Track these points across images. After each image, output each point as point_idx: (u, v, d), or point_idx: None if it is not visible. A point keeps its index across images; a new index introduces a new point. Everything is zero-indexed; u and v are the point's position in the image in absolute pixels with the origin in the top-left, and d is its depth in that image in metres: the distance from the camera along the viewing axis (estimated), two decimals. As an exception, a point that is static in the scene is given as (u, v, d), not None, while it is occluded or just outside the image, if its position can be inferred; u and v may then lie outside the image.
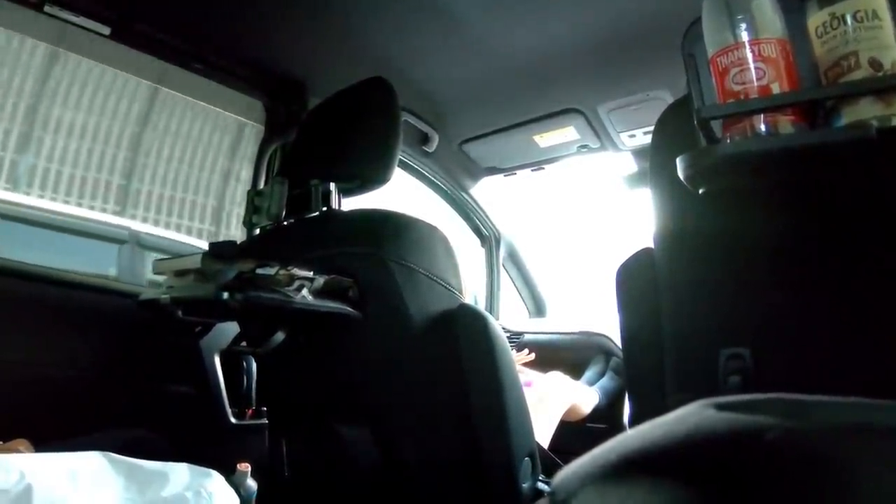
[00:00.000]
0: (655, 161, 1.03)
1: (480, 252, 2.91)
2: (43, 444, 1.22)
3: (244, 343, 1.50)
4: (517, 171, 2.67)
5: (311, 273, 1.21)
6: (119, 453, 1.12)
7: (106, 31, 1.73)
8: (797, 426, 0.39)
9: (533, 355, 2.25)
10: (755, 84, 0.80)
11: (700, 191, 0.85)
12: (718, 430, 0.41)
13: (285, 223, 1.51)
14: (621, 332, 1.11)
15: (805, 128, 0.80)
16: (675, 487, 0.39)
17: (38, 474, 0.99)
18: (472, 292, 2.79)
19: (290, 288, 1.17)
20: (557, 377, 2.14)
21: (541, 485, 1.42)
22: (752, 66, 0.80)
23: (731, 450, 0.39)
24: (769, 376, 0.87)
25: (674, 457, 0.41)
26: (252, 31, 1.83)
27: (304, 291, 1.18)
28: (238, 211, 5.88)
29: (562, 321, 2.89)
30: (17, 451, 1.19)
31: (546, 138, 2.34)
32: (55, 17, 1.66)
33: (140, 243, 4.06)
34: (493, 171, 2.67)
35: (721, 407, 0.43)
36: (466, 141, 2.46)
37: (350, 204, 1.48)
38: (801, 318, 0.89)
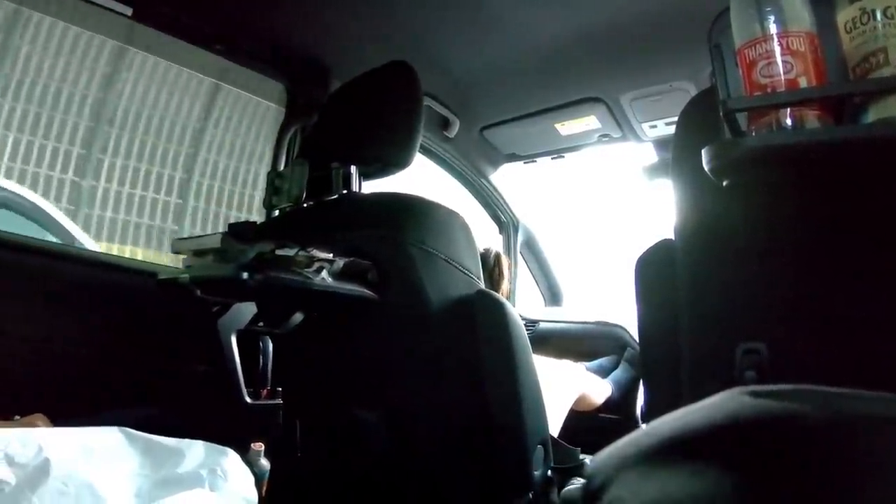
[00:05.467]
0: (678, 152, 1.03)
1: (498, 239, 2.90)
2: (60, 419, 1.23)
3: (262, 324, 1.51)
4: (537, 159, 2.66)
5: (331, 255, 1.21)
6: (135, 429, 1.13)
7: (128, 11, 1.73)
8: (834, 414, 0.39)
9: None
10: (782, 77, 0.79)
11: (723, 183, 0.85)
12: (758, 417, 0.41)
13: (305, 205, 1.51)
14: (639, 323, 1.11)
15: (831, 123, 0.79)
16: (717, 470, 0.40)
17: (55, 448, 1.00)
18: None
19: (310, 269, 1.17)
20: (570, 366, 2.14)
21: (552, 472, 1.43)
22: (779, 59, 0.79)
23: (772, 435, 0.40)
24: (785, 372, 0.87)
25: (715, 441, 0.42)
26: (275, 12, 1.83)
27: (324, 273, 1.18)
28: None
29: (577, 310, 2.88)
30: (35, 425, 1.20)
31: (567, 126, 2.33)
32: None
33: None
34: (513, 157, 2.66)
35: (756, 395, 0.43)
36: (487, 127, 2.44)
37: (370, 187, 1.48)
38: (819, 315, 0.88)
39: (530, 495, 1.37)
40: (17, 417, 1.23)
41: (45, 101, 4.69)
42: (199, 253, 1.30)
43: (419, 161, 1.51)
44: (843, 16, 0.79)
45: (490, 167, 2.69)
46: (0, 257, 1.58)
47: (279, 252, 1.15)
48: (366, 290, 1.26)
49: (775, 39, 0.79)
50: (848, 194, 0.86)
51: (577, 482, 1.53)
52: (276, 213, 1.76)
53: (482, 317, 1.30)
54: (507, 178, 2.78)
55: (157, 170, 5.21)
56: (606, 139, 2.38)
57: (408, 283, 1.27)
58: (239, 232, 1.33)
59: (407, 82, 1.44)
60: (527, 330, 1.39)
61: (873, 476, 0.36)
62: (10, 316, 1.54)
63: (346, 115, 1.53)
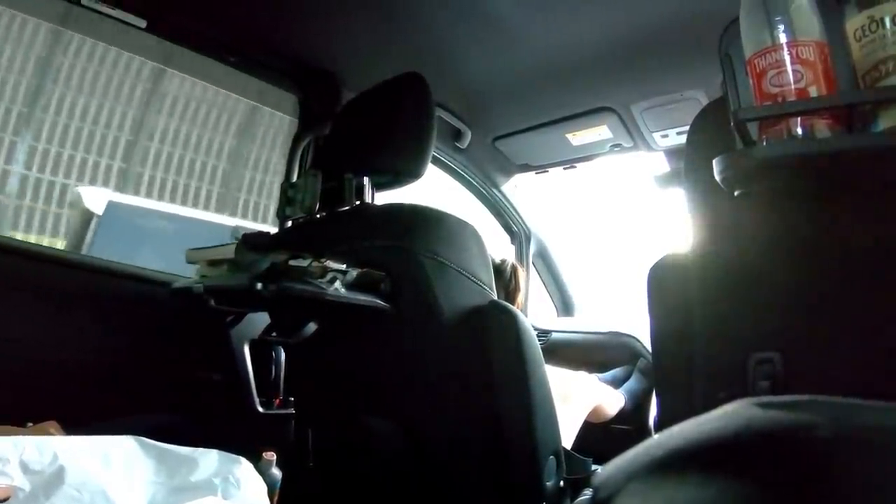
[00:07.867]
0: (690, 161, 1.03)
1: (510, 249, 2.90)
2: (73, 427, 1.24)
3: (275, 333, 1.52)
4: (549, 169, 2.66)
5: (344, 266, 1.21)
6: (148, 437, 1.14)
7: (142, 23, 1.75)
8: (848, 424, 0.39)
9: None
10: (792, 87, 0.79)
11: (735, 193, 0.85)
12: (769, 427, 0.41)
13: (318, 216, 1.52)
14: (651, 333, 1.10)
15: (842, 132, 0.79)
16: (727, 481, 0.39)
17: (70, 455, 1.01)
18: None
19: (323, 280, 1.17)
20: (584, 377, 2.13)
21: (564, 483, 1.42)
22: (789, 68, 0.79)
23: (784, 445, 0.39)
24: (799, 383, 0.86)
25: (723, 452, 0.42)
26: (287, 23, 1.84)
27: (337, 284, 1.18)
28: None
29: (590, 321, 2.87)
30: (48, 433, 1.21)
31: (579, 136, 2.33)
32: (91, 10, 1.68)
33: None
34: (525, 168, 2.66)
35: (765, 405, 0.43)
36: (499, 138, 2.45)
37: (384, 198, 1.49)
38: (834, 325, 0.88)
39: (542, 506, 1.36)
40: (30, 424, 1.24)
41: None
42: (213, 263, 1.31)
43: (431, 172, 1.51)
44: (852, 24, 0.79)
45: (502, 177, 2.69)
46: (15, 265, 1.59)
47: (292, 262, 1.16)
48: (378, 301, 1.26)
49: (785, 49, 0.79)
50: (860, 203, 0.86)
51: (589, 493, 1.52)
52: (290, 223, 1.77)
53: (494, 327, 1.30)
54: (518, 188, 2.78)
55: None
56: (618, 149, 2.37)
57: (420, 293, 1.27)
58: (253, 242, 1.34)
59: (419, 93, 1.44)
60: (539, 340, 1.39)
61: (886, 490, 0.36)
62: (23, 323, 1.56)
63: (359, 126, 1.54)
